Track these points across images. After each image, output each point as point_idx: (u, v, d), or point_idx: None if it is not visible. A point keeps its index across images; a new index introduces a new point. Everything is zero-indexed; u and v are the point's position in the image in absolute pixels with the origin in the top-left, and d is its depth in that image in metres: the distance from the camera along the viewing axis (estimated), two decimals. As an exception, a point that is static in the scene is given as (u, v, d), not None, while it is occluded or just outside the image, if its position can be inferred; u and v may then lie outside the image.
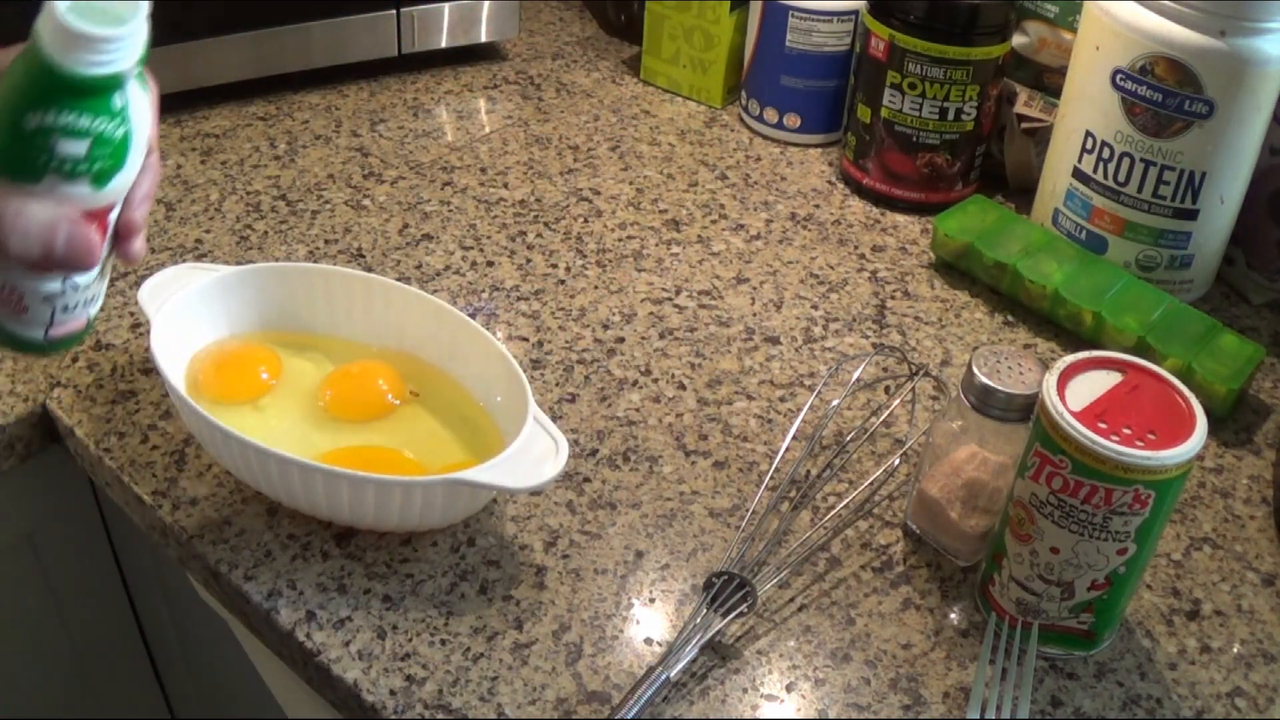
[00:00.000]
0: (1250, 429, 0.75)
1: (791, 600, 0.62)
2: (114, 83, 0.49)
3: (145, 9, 0.49)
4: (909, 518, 0.67)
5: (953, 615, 0.62)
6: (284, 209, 0.88)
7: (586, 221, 0.89)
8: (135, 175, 0.53)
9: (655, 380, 0.75)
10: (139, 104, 0.51)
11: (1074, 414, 0.54)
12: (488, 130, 1.00)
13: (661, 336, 0.79)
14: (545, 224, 0.89)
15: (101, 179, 0.51)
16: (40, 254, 0.50)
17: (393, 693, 0.56)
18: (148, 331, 0.66)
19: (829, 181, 0.96)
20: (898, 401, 0.75)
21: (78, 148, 0.49)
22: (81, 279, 0.55)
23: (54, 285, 0.54)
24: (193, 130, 0.96)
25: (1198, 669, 0.61)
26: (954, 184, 0.92)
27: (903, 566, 0.65)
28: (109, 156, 0.50)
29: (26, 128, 0.48)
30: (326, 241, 0.85)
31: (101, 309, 0.76)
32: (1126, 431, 0.53)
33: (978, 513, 0.63)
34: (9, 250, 0.50)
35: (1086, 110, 0.81)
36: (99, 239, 0.52)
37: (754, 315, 0.81)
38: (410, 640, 0.59)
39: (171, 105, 0.95)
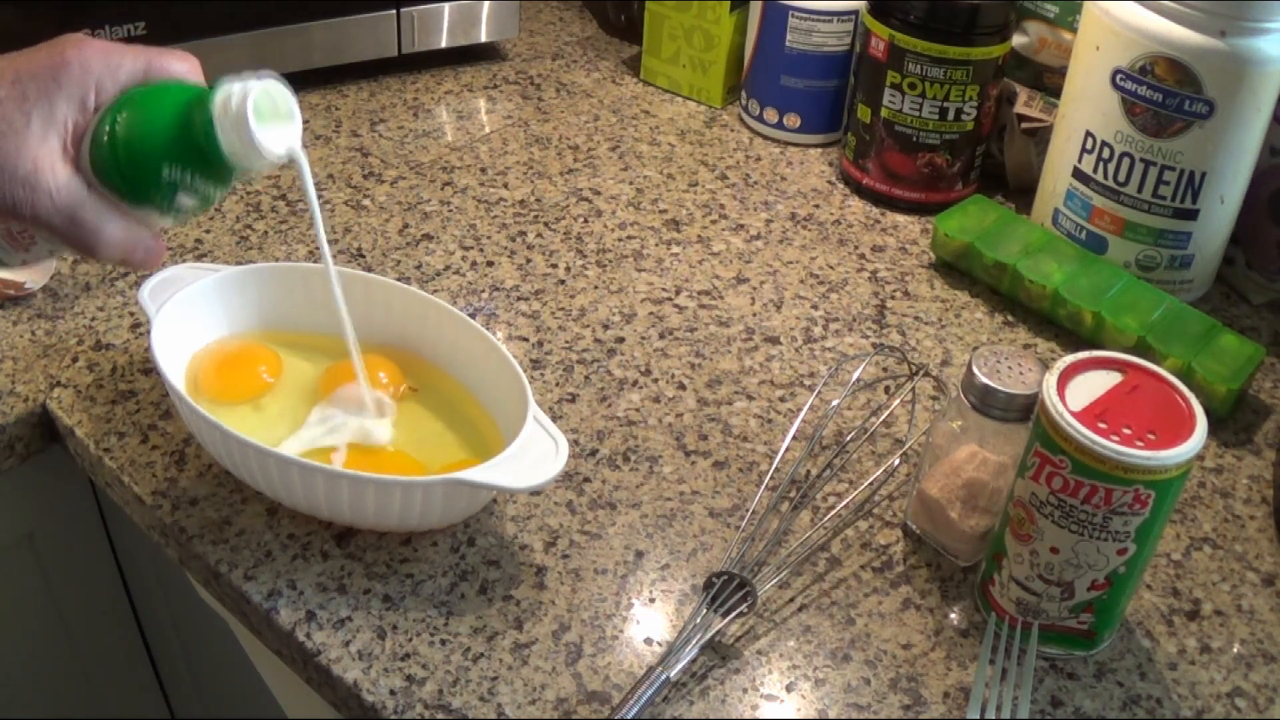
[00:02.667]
0: (1250, 429, 0.75)
1: (791, 600, 0.63)
2: (248, 179, 0.56)
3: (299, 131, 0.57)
4: (909, 518, 0.67)
5: (953, 615, 0.62)
6: (284, 209, 0.88)
7: (586, 221, 0.89)
8: None
9: (655, 380, 0.75)
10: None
11: (1074, 414, 0.54)
12: (488, 130, 1.00)
13: (661, 336, 0.79)
14: (545, 224, 0.89)
15: (179, 219, 0.58)
16: (120, 261, 0.57)
17: (393, 693, 0.56)
18: (148, 331, 0.66)
19: (829, 181, 0.96)
20: (898, 401, 0.75)
21: (189, 203, 0.56)
22: None
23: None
24: (193, 130, 0.96)
25: (1198, 669, 0.61)
26: (954, 184, 0.92)
27: (903, 566, 0.65)
28: (197, 210, 0.58)
29: (161, 174, 0.54)
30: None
31: (101, 309, 0.76)
32: (1126, 431, 0.53)
33: (978, 513, 0.63)
34: (96, 255, 0.56)
35: (1086, 110, 0.81)
36: (162, 246, 0.59)
37: (754, 315, 0.81)
38: (410, 640, 0.59)
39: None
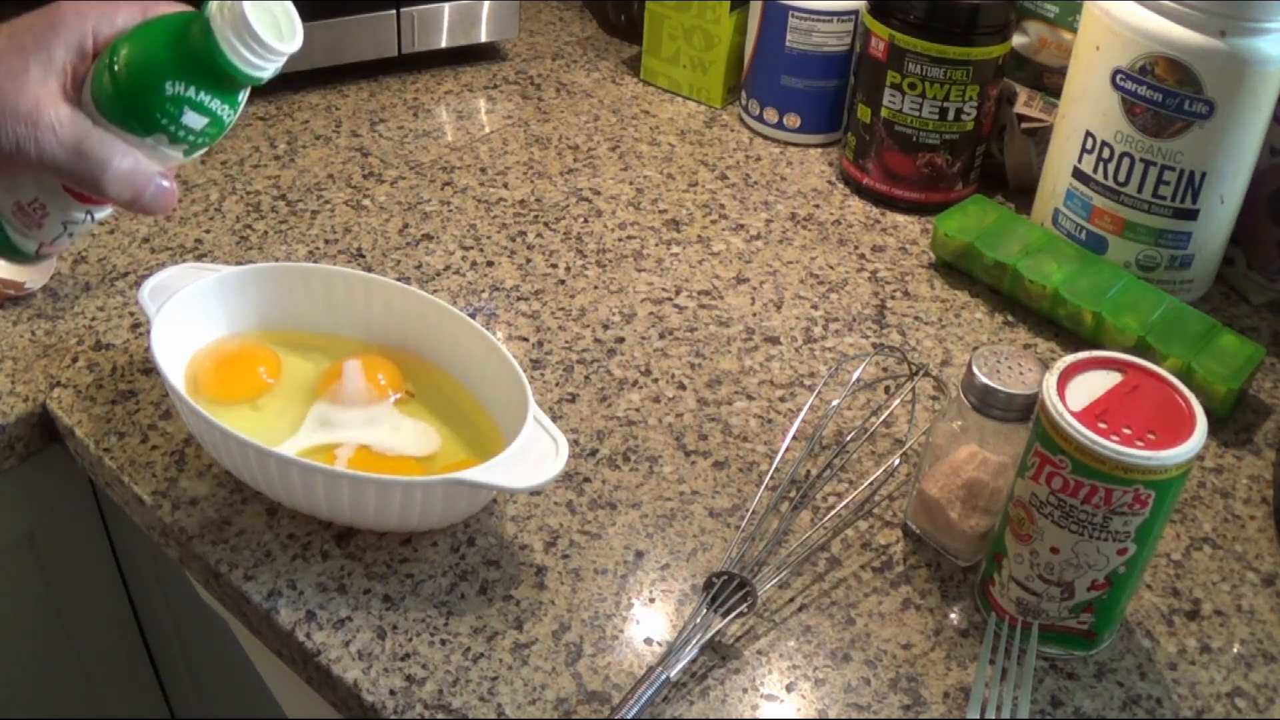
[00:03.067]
0: (1250, 429, 0.75)
1: (791, 600, 0.62)
2: (254, 83, 0.55)
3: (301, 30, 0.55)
4: (909, 518, 0.67)
5: (953, 615, 0.62)
6: (284, 209, 0.88)
7: (586, 221, 0.89)
8: None
9: (655, 380, 0.75)
10: (244, 100, 0.57)
11: (1074, 414, 0.54)
12: (488, 130, 1.00)
13: (661, 336, 0.79)
14: (545, 224, 0.89)
15: (193, 150, 0.56)
16: (130, 198, 0.56)
17: (393, 693, 0.56)
18: (148, 331, 0.66)
19: (829, 181, 0.96)
20: (898, 401, 0.75)
21: (198, 122, 0.55)
22: (100, 214, 0.60)
23: (79, 214, 0.59)
24: (193, 130, 0.96)
25: (1198, 669, 0.61)
26: (954, 184, 0.92)
27: (903, 566, 0.65)
28: (210, 135, 0.56)
29: (165, 91, 0.53)
30: (326, 241, 0.85)
31: (101, 309, 0.76)
32: (1126, 431, 0.53)
33: (978, 513, 0.63)
34: (103, 191, 0.54)
35: (1086, 110, 0.81)
36: (175, 189, 0.58)
37: (754, 315, 0.81)
38: (410, 640, 0.59)
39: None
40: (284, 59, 0.54)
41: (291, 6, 0.55)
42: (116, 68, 0.53)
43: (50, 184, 0.57)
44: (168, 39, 0.53)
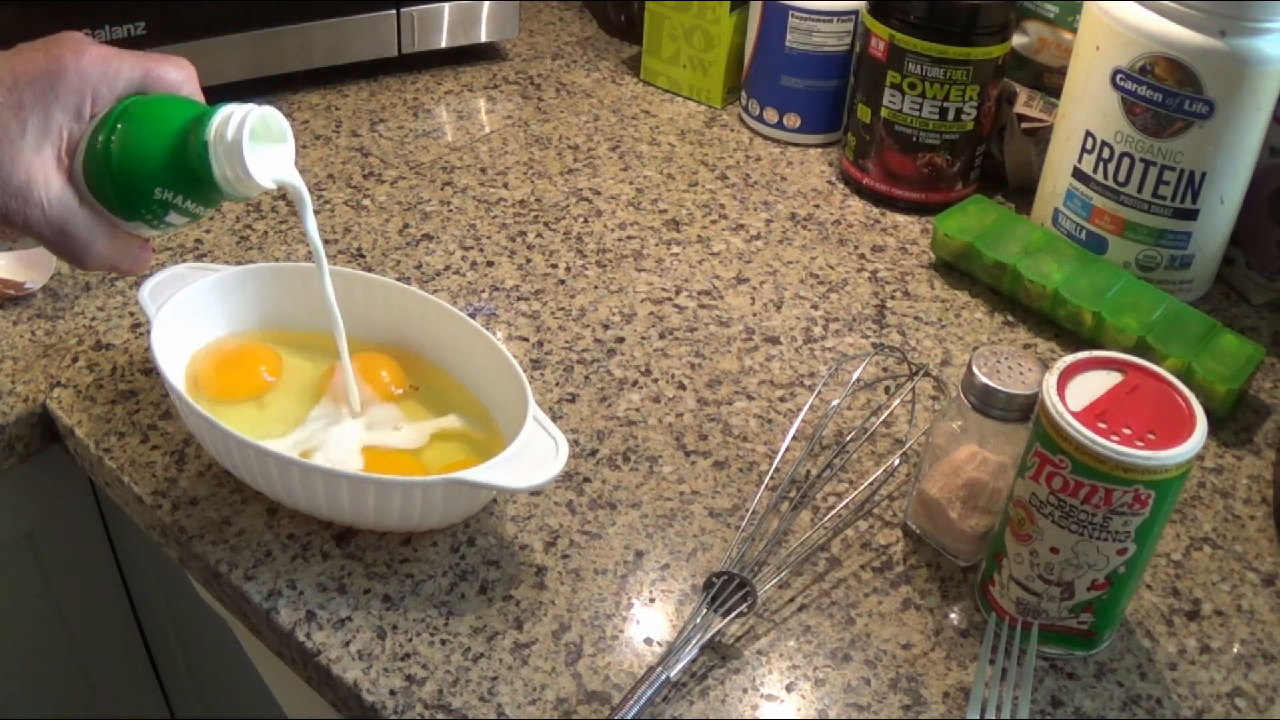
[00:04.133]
0: (1250, 429, 0.75)
1: (791, 600, 0.62)
2: (235, 199, 0.57)
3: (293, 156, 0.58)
4: (909, 518, 0.67)
5: (953, 615, 0.62)
6: (284, 209, 0.88)
7: (586, 221, 0.89)
8: None
9: (655, 380, 0.75)
10: None
11: (1074, 414, 0.54)
12: (488, 130, 1.00)
13: (661, 336, 0.79)
14: (545, 224, 0.89)
15: (170, 231, 0.59)
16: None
17: (393, 693, 0.56)
18: (148, 331, 0.66)
19: (829, 181, 0.96)
20: (898, 401, 0.75)
21: (178, 220, 0.57)
22: None
23: None
24: (193, 130, 0.96)
25: (1198, 669, 0.61)
26: (954, 184, 0.92)
27: (903, 566, 0.65)
28: (185, 225, 0.59)
29: (154, 195, 0.55)
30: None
31: (101, 309, 0.76)
32: (1126, 431, 0.53)
33: (978, 513, 0.63)
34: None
35: (1086, 110, 0.81)
36: (149, 255, 0.60)
37: (754, 315, 0.81)
38: (410, 640, 0.59)
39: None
40: (272, 190, 0.57)
41: (285, 122, 0.57)
42: (111, 152, 0.54)
43: None
44: (164, 144, 0.54)
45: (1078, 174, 0.83)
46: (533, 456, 0.60)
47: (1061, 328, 0.82)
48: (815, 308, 0.83)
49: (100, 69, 0.54)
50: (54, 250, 0.56)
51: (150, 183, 0.55)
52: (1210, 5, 0.73)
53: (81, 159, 0.54)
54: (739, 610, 0.59)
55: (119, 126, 0.54)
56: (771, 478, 0.68)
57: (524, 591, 0.62)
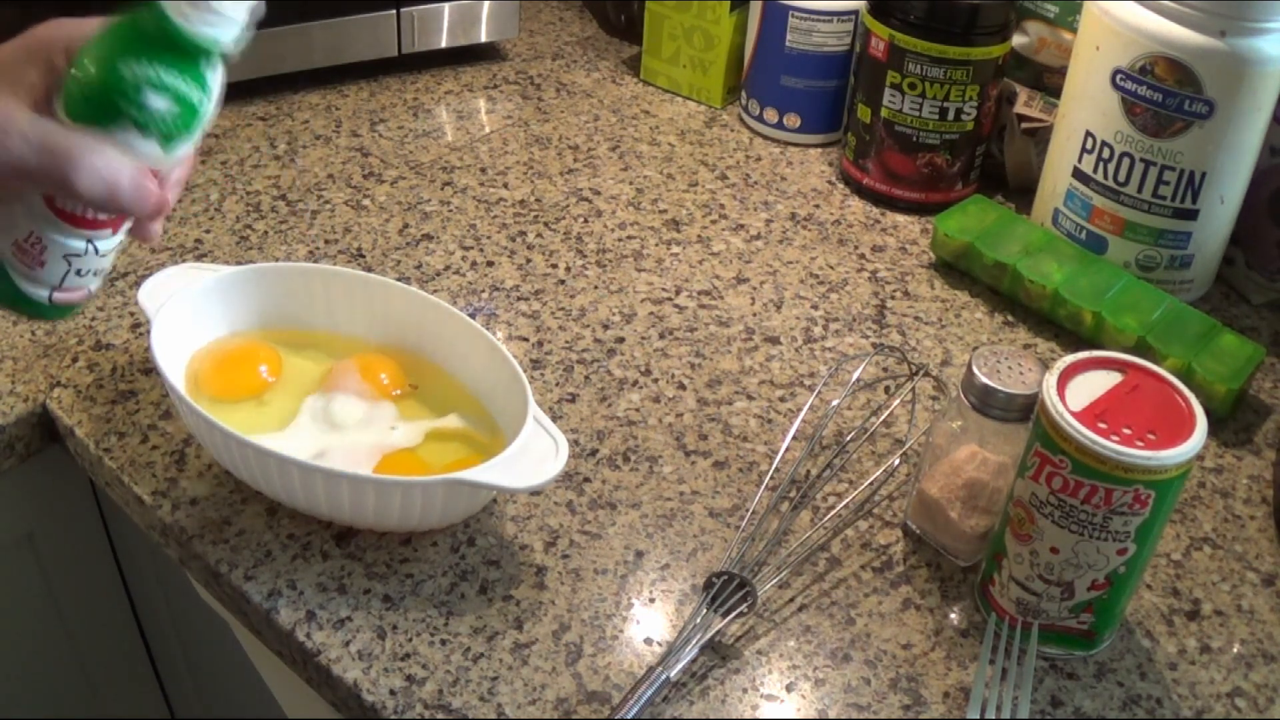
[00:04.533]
0: (1250, 429, 0.75)
1: (791, 600, 0.62)
2: (214, 51, 0.53)
3: None
4: (909, 518, 0.67)
5: (953, 615, 0.62)
6: (284, 209, 0.88)
7: (586, 221, 0.89)
8: (188, 153, 0.55)
9: (655, 380, 0.75)
10: (216, 84, 0.54)
11: (1074, 414, 0.54)
12: (488, 130, 1.00)
13: (661, 336, 0.79)
14: (545, 224, 0.89)
15: (168, 142, 0.54)
16: (106, 193, 0.53)
17: (393, 693, 0.56)
18: (148, 331, 0.66)
19: (829, 181, 0.96)
20: (898, 401, 0.75)
21: (162, 104, 0.52)
22: (103, 244, 0.57)
23: (78, 244, 0.56)
24: (193, 130, 0.96)
25: (1198, 669, 0.61)
26: (954, 184, 0.92)
27: (903, 566, 0.65)
28: (183, 121, 0.53)
29: (122, 75, 0.51)
30: (326, 241, 0.85)
31: (101, 309, 0.76)
32: (1126, 431, 0.53)
33: (978, 513, 0.63)
34: (75, 186, 0.52)
35: (1086, 110, 0.81)
36: (159, 191, 0.55)
37: (754, 315, 0.81)
38: (410, 640, 0.59)
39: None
40: (238, 22, 0.52)
41: None
42: (75, 68, 0.53)
43: (39, 210, 0.55)
44: (120, 25, 0.53)
45: (1078, 174, 0.83)
46: (533, 456, 0.60)
47: (1061, 328, 0.82)
48: (815, 308, 0.83)
49: (68, 30, 0.54)
50: (45, 179, 0.53)
51: (113, 60, 0.52)
52: (1210, 5, 0.73)
53: (59, 99, 0.53)
54: (739, 610, 0.59)
55: (82, 51, 0.53)
56: (771, 478, 0.68)
57: (524, 591, 0.62)
